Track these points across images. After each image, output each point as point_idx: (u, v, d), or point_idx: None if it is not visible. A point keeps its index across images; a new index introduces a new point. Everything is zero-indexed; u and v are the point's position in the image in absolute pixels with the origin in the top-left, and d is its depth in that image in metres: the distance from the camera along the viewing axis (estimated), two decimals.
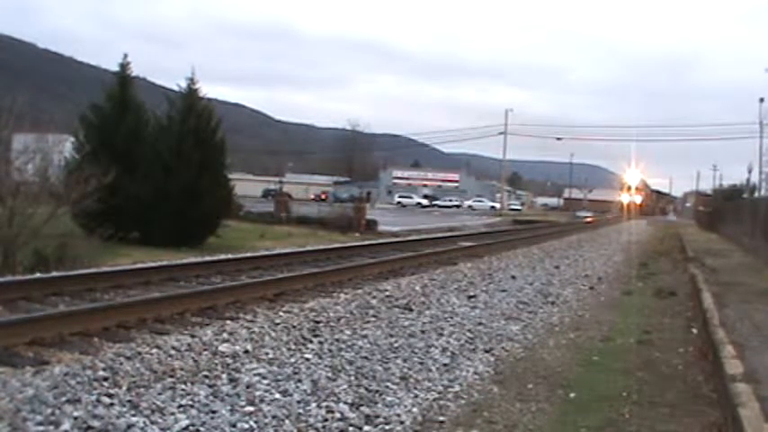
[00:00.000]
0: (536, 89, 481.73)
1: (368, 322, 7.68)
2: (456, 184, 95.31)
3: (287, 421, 4.58)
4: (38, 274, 9.49)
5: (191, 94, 17.85)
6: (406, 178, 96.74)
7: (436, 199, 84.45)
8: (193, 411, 4.54)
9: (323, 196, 71.77)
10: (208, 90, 18.25)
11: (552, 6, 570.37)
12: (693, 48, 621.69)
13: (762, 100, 42.12)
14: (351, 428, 4.61)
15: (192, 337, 6.32)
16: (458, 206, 77.80)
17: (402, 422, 4.82)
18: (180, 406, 4.60)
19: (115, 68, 18.21)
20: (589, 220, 54.69)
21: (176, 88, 18.13)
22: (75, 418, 4.18)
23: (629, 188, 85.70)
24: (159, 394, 4.75)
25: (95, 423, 4.16)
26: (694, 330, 8.69)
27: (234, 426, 4.40)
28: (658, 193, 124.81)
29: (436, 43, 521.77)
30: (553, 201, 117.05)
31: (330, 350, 6.36)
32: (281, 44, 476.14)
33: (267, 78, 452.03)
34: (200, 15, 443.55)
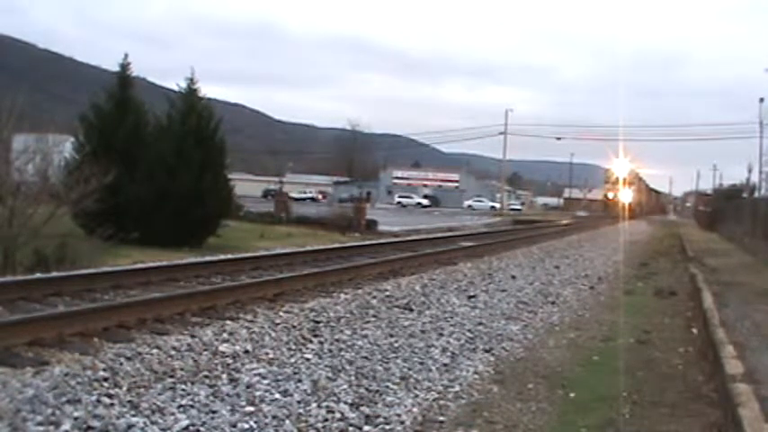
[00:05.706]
0: (530, 88, 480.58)
1: (368, 322, 7.68)
2: (456, 184, 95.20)
3: (287, 421, 4.58)
4: (38, 274, 9.48)
5: (191, 94, 17.84)
6: (406, 178, 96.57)
7: (437, 199, 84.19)
8: (193, 411, 4.54)
9: (319, 197, 71.05)
10: (204, 90, 18.23)
11: (546, 5, 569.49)
12: (687, 45, 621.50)
13: (762, 100, 42.09)
14: (351, 428, 4.62)
15: (193, 337, 6.31)
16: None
17: (402, 422, 4.82)
18: (180, 406, 4.60)
19: (114, 69, 18.22)
20: (564, 222, 47.31)
21: (176, 88, 18.12)
22: (76, 419, 4.18)
23: (616, 182, 71.75)
24: (159, 394, 4.75)
25: (95, 423, 4.16)
26: (694, 330, 8.69)
27: (234, 426, 4.41)
28: (655, 192, 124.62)
29: (427, 42, 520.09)
30: (553, 201, 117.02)
31: (330, 350, 6.36)
32: (270, 44, 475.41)
33: (261, 78, 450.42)
34: (187, 15, 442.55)
